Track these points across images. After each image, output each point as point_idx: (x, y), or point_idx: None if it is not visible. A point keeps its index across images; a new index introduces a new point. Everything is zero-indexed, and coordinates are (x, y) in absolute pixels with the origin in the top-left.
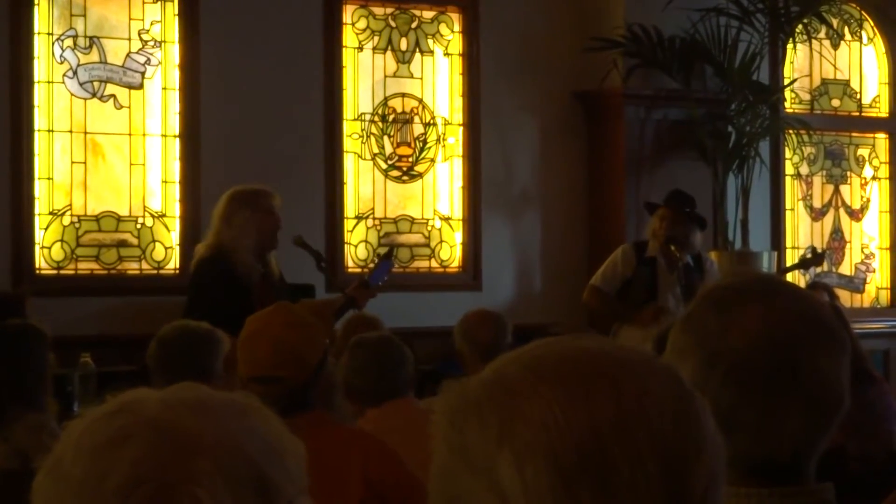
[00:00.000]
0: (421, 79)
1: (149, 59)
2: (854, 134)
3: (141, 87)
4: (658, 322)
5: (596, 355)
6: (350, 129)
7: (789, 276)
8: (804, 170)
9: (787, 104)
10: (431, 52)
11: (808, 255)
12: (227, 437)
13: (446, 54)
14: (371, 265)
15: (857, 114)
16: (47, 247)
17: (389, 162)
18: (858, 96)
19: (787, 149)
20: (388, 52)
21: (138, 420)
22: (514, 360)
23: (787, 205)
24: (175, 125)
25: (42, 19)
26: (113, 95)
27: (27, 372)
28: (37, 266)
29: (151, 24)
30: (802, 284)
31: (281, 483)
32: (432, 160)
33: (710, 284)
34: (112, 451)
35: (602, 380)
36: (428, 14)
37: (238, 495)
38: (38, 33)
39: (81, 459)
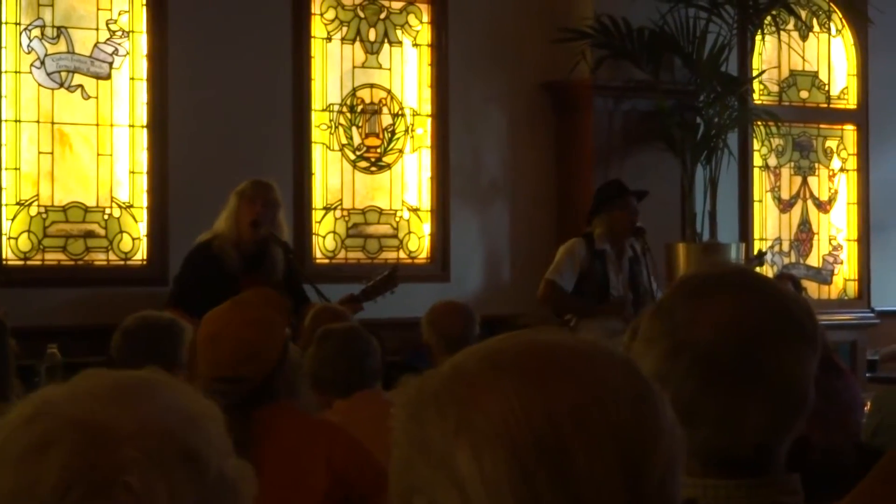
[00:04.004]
0: (389, 69)
1: (116, 50)
2: (822, 125)
3: (109, 77)
4: (622, 315)
5: (554, 347)
6: (318, 120)
7: (757, 270)
8: (772, 161)
9: (755, 96)
10: (400, 42)
11: (754, 255)
12: (145, 419)
13: (415, 45)
14: (372, 282)
15: (826, 105)
16: (14, 237)
17: (358, 153)
18: (827, 88)
19: (755, 140)
20: (357, 43)
21: (57, 423)
22: (472, 353)
23: (756, 196)
24: (143, 115)
25: (9, 9)
26: (80, 85)
27: None
28: (3, 256)
29: (119, 14)
30: (770, 275)
31: (206, 451)
32: (401, 151)
33: (684, 274)
34: (37, 459)
35: (560, 371)
36: (397, 5)
37: (168, 473)
38: (6, 23)
39: (9, 471)
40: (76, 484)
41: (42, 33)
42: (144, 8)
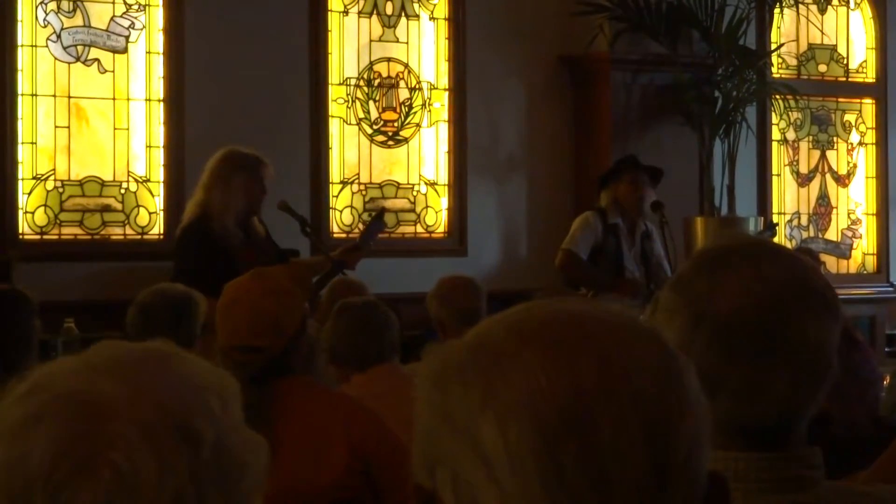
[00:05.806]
0: (406, 43)
1: (133, 23)
2: (841, 99)
3: (125, 51)
4: (636, 297)
5: (579, 318)
6: (335, 94)
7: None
8: (791, 135)
9: (773, 69)
10: (417, 16)
11: (766, 226)
12: (140, 394)
13: (432, 18)
14: (360, 227)
15: (844, 79)
16: (31, 212)
17: (375, 127)
18: (845, 61)
19: (773, 114)
20: (374, 17)
21: (51, 397)
22: (497, 323)
23: (774, 170)
24: (159, 89)
25: None
26: (97, 59)
27: (12, 338)
28: (20, 231)
29: None
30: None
31: (202, 424)
32: (418, 125)
33: (702, 246)
34: (28, 432)
35: (585, 342)
36: None
37: (159, 448)
38: None
39: (2, 443)
40: (63, 459)
41: (58, 7)
42: None
